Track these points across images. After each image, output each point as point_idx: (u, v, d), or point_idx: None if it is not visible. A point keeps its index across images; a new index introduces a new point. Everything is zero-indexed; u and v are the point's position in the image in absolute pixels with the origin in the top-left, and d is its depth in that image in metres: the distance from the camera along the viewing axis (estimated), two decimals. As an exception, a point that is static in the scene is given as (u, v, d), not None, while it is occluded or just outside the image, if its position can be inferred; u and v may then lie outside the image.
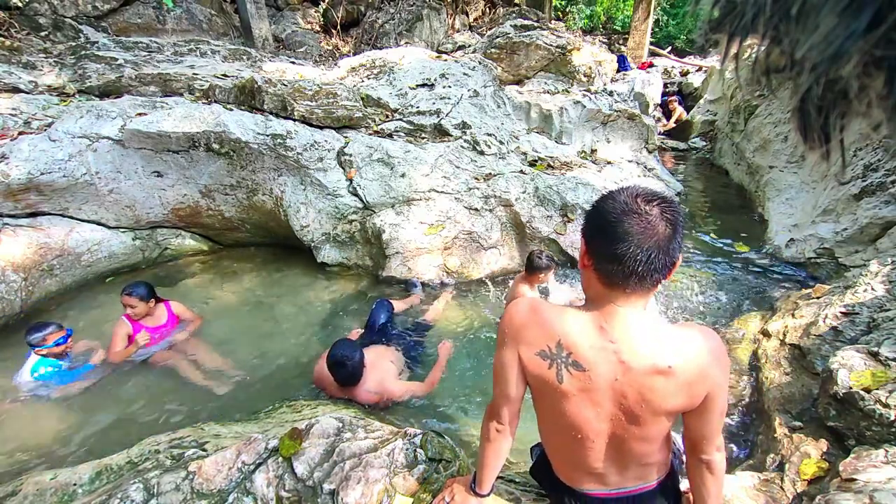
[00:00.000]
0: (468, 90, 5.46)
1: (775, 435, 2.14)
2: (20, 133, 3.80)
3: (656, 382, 1.03)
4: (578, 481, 1.27)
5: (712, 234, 5.12)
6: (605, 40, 12.66)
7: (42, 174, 3.56)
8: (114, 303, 3.75)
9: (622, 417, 1.10)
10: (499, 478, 1.83)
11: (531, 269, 3.24)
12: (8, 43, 5.37)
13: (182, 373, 3.09)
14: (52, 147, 3.66)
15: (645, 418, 1.08)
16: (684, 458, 1.28)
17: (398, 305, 3.61)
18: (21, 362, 2.97)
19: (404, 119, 5.04)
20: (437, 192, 4.31)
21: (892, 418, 1.70)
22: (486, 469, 1.30)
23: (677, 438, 1.35)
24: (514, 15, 9.09)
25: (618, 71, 9.19)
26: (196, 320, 3.49)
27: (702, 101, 9.61)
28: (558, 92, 6.51)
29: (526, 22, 7.69)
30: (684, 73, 12.11)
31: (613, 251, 0.96)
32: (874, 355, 1.99)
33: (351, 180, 4.26)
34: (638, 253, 0.94)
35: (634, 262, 0.95)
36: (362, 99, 5.06)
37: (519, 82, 7.02)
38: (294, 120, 4.34)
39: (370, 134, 4.65)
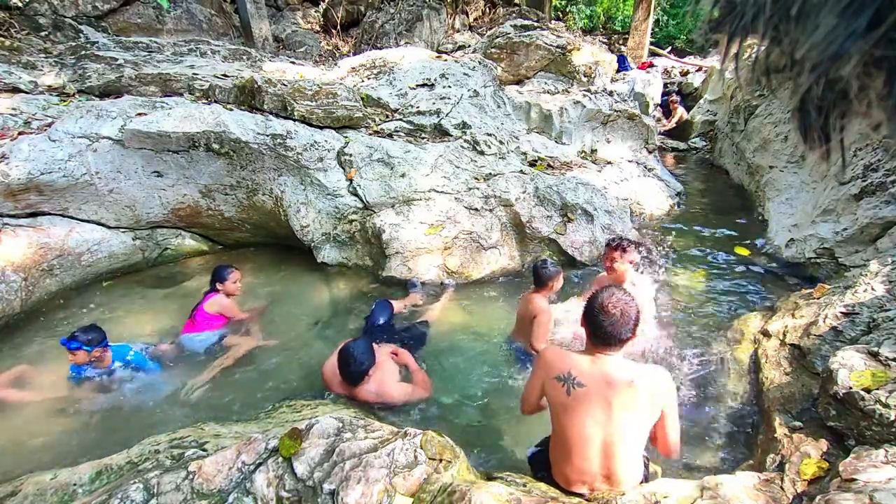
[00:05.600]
0: (468, 90, 5.46)
1: (775, 435, 2.14)
2: (20, 133, 3.80)
3: (626, 393, 1.66)
4: (573, 484, 1.76)
5: (712, 235, 5.12)
6: (605, 40, 12.65)
7: (42, 174, 3.56)
8: (113, 303, 3.76)
9: (608, 420, 1.67)
10: (499, 478, 1.83)
11: (541, 281, 3.04)
12: (8, 43, 5.37)
13: (183, 373, 3.08)
14: (52, 147, 3.66)
15: (623, 420, 1.66)
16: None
17: (398, 305, 3.61)
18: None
19: (404, 119, 5.04)
20: (437, 192, 4.31)
21: (892, 418, 1.70)
22: None
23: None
24: (514, 15, 9.09)
25: (618, 71, 9.18)
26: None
27: (702, 101, 9.60)
28: (558, 92, 6.51)
29: (526, 22, 7.69)
30: (684, 73, 12.10)
31: (597, 330, 1.71)
32: (874, 355, 1.99)
33: (351, 180, 4.26)
34: (608, 332, 1.68)
35: (606, 336, 1.69)
36: (362, 99, 5.06)
37: (519, 82, 7.01)
38: (294, 120, 4.33)
39: (370, 134, 4.64)
